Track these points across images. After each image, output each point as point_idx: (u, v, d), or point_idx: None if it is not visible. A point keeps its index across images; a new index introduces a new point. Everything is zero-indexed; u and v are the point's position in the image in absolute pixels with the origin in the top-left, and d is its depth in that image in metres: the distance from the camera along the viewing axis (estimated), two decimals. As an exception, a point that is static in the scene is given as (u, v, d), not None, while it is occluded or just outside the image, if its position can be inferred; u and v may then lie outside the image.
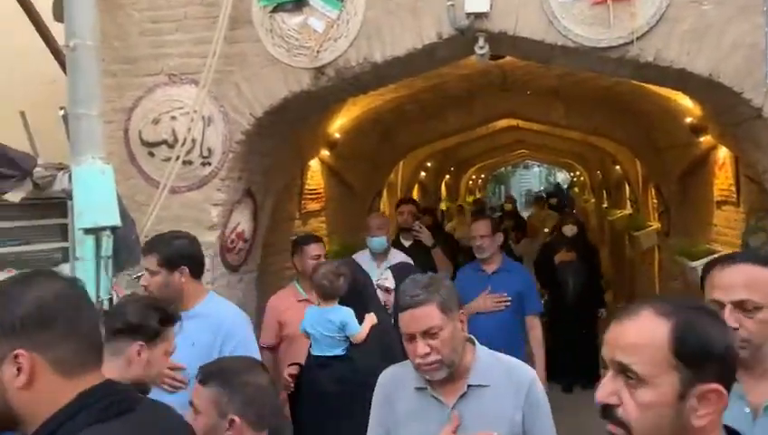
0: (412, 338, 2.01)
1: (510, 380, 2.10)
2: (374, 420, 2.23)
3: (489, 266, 4.36)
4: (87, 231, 3.22)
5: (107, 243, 3.22)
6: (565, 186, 24.87)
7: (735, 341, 1.73)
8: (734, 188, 4.83)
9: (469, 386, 2.06)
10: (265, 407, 1.97)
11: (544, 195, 17.70)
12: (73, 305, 1.35)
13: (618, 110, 6.81)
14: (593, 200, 16.15)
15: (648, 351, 1.16)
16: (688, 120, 5.06)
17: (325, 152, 5.94)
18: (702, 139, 5.08)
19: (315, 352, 3.30)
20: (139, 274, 3.19)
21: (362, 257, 4.83)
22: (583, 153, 12.47)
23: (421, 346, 1.99)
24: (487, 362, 2.13)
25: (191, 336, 2.83)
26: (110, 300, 3.25)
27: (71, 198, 3.33)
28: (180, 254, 2.95)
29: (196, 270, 3.01)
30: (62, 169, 3.48)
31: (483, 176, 24.11)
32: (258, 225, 4.23)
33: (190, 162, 3.73)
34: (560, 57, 3.68)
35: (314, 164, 5.91)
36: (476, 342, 2.20)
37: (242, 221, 4.02)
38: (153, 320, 2.21)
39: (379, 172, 7.90)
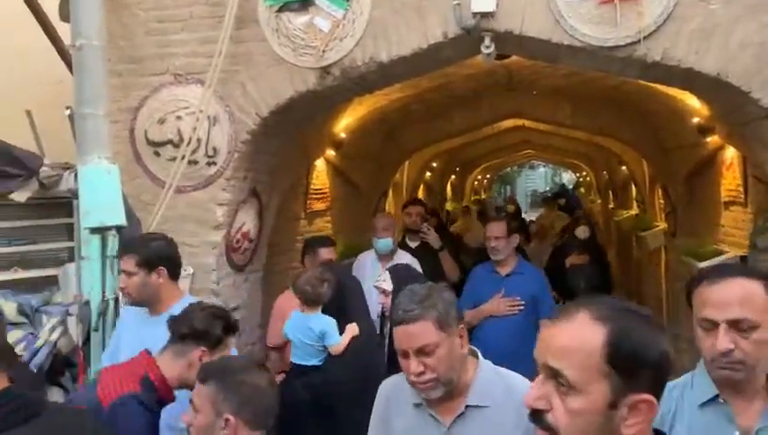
0: (406, 355, 1.89)
1: (511, 398, 1.94)
2: (372, 431, 2.15)
3: (503, 269, 4.28)
4: (93, 230, 3.23)
5: (113, 242, 3.24)
6: (570, 186, 24.79)
7: (718, 360, 1.66)
8: (741, 189, 4.80)
9: (467, 406, 1.95)
10: (261, 407, 1.97)
11: (551, 195, 17.63)
12: None
13: (624, 109, 6.78)
14: (599, 201, 16.10)
15: (580, 356, 1.12)
16: (695, 120, 5.03)
17: (331, 152, 5.94)
18: (709, 139, 5.05)
19: (293, 359, 3.28)
20: None
21: (368, 258, 4.83)
22: (589, 153, 12.41)
23: (414, 364, 1.86)
24: (488, 380, 2.00)
25: (163, 338, 2.83)
26: (116, 299, 3.26)
27: (77, 198, 3.34)
28: (158, 254, 2.95)
29: (174, 271, 3.01)
30: (68, 168, 3.49)
31: (488, 176, 24.08)
32: (263, 224, 4.23)
33: (196, 162, 3.73)
34: (566, 57, 3.67)
35: (320, 164, 5.90)
36: (480, 355, 2.08)
37: (247, 221, 4.02)
38: (217, 328, 2.39)
39: (384, 172, 7.89)
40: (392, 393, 2.11)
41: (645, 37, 3.25)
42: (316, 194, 5.87)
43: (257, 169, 4.00)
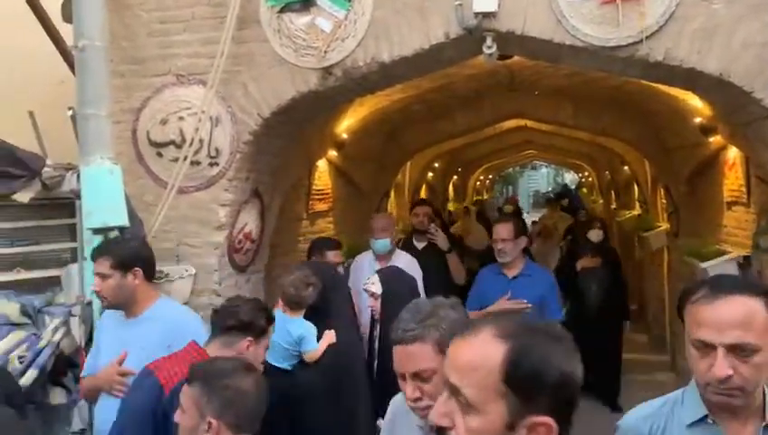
0: (403, 377, 1.72)
1: None
2: None
3: (510, 271, 4.24)
4: (95, 231, 3.24)
5: (115, 243, 3.23)
6: (573, 186, 24.77)
7: (715, 386, 1.53)
8: (744, 189, 4.79)
9: None
10: (245, 410, 1.97)
11: (554, 196, 17.59)
12: None
13: (626, 110, 6.77)
14: (601, 201, 16.08)
15: (479, 375, 1.09)
16: (698, 120, 5.02)
17: (333, 153, 5.94)
18: (712, 139, 5.04)
19: (267, 358, 3.27)
20: None
21: (366, 259, 4.80)
22: (592, 153, 12.40)
23: (410, 389, 1.69)
24: None
25: (141, 340, 2.82)
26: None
27: (79, 199, 3.35)
28: (133, 255, 2.94)
29: (149, 272, 3.00)
30: (70, 169, 3.49)
31: (490, 177, 24.07)
32: (265, 225, 4.24)
33: (198, 162, 3.73)
34: (568, 57, 3.66)
35: (322, 164, 5.91)
36: None
37: (249, 221, 4.02)
38: (262, 320, 2.61)
39: (386, 173, 7.89)
40: (399, 411, 2.01)
41: (647, 37, 3.24)
42: (318, 195, 5.87)
43: (259, 169, 4.00)
